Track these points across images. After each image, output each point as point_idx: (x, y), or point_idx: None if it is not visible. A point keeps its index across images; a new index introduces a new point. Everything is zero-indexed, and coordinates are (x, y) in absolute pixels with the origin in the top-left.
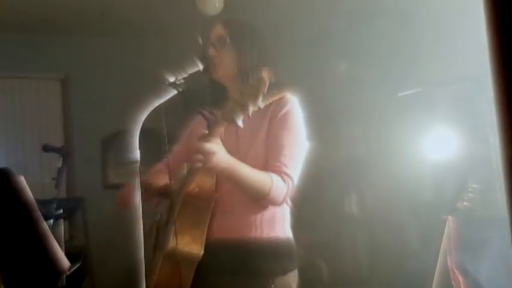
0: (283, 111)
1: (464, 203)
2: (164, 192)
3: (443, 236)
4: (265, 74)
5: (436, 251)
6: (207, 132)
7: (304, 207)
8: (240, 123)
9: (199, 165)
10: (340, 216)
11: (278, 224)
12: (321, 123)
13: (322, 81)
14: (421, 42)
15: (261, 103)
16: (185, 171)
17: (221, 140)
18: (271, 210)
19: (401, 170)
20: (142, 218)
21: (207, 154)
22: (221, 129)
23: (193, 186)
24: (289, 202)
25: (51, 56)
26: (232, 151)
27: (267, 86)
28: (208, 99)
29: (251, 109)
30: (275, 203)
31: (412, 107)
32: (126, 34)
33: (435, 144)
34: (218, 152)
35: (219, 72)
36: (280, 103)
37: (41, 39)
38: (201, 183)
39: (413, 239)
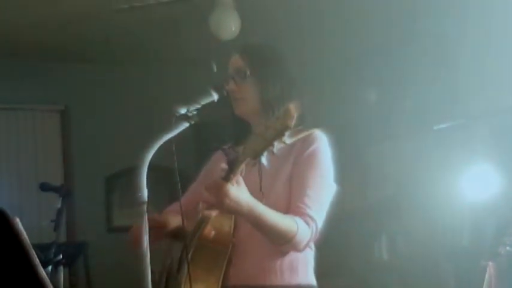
0: (310, 149)
1: (507, 248)
2: (177, 234)
3: (483, 284)
4: (293, 107)
5: None
6: (226, 168)
7: (329, 251)
8: (264, 160)
9: (213, 206)
10: (369, 262)
11: (300, 270)
12: (349, 159)
13: (351, 113)
14: (460, 70)
15: (287, 139)
16: (200, 211)
17: (243, 179)
18: (293, 255)
19: (437, 211)
20: (151, 264)
21: (220, 196)
22: (242, 167)
23: (209, 229)
24: (312, 247)
25: (50, 85)
26: (254, 191)
27: (294, 119)
28: (226, 133)
29: (276, 145)
30: (297, 249)
31: (449, 142)
32: (132, 62)
33: (474, 182)
34: (235, 195)
35: (241, 107)
36: (308, 140)
37: (38, 67)
38: (218, 225)
39: None
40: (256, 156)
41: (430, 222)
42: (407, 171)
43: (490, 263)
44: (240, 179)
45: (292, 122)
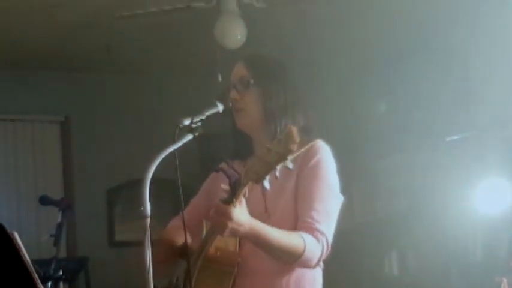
0: (313, 160)
1: None
2: (181, 252)
3: None
4: (295, 129)
5: None
6: (228, 190)
7: (338, 267)
8: (266, 184)
9: (217, 229)
10: (379, 278)
11: None
12: (358, 172)
13: (360, 123)
14: (471, 81)
15: (290, 163)
16: (204, 229)
17: (246, 200)
18: (300, 272)
19: (449, 225)
20: (155, 280)
21: (223, 220)
22: (245, 190)
23: (214, 250)
24: (321, 263)
25: (50, 95)
26: (258, 211)
27: (296, 142)
28: (229, 145)
29: (279, 169)
30: (308, 266)
31: (461, 154)
32: (134, 71)
33: (487, 196)
34: (238, 217)
35: (242, 119)
36: (310, 151)
37: (38, 76)
38: (223, 245)
39: None
40: (259, 180)
41: (442, 237)
42: (418, 184)
43: (504, 279)
44: (243, 200)
45: (295, 146)
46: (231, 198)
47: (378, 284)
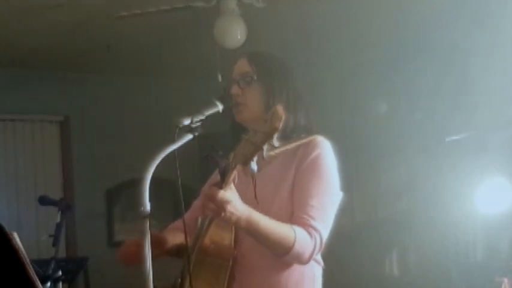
0: (312, 156)
1: None
2: (181, 251)
3: None
4: (280, 108)
5: None
6: (219, 178)
7: (338, 267)
8: (254, 165)
9: (211, 215)
10: (379, 279)
11: (307, 287)
12: (358, 172)
13: (360, 123)
14: (471, 81)
15: (276, 141)
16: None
17: (236, 186)
18: (299, 270)
19: (450, 226)
20: (154, 280)
21: (220, 203)
22: (234, 174)
23: (208, 242)
24: (321, 261)
25: (49, 95)
26: (248, 201)
27: (282, 120)
28: (229, 145)
29: (266, 149)
30: (300, 261)
31: (461, 154)
32: (133, 71)
33: (488, 196)
34: (233, 200)
35: (243, 113)
36: (309, 147)
37: (37, 76)
38: (217, 238)
39: None
40: (246, 161)
41: (442, 237)
42: (418, 184)
43: (505, 280)
44: (233, 187)
45: (280, 124)
46: (220, 184)
47: (378, 284)
